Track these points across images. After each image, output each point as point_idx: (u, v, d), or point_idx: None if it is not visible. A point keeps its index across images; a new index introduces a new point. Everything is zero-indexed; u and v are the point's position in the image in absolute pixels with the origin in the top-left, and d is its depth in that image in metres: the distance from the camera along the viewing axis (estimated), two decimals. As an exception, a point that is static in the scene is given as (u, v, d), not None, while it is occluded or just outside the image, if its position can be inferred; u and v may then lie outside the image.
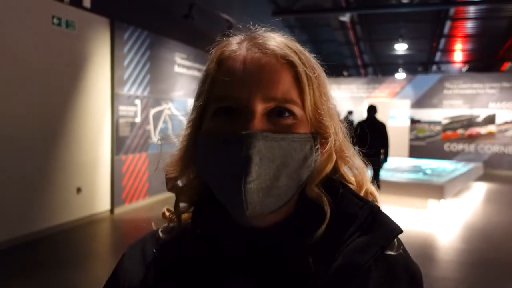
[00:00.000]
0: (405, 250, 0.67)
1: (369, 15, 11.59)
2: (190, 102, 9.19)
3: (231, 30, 0.72)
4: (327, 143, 0.66)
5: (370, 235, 0.62)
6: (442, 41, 13.50)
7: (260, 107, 0.61)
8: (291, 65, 0.63)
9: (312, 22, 12.76)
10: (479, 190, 10.16)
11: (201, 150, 0.65)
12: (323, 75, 0.68)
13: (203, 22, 8.50)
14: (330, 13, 10.79)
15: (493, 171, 12.68)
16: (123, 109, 7.24)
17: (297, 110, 0.63)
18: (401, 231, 0.62)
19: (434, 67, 15.85)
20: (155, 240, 0.74)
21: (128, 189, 7.43)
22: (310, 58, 0.68)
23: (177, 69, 8.78)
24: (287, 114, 0.62)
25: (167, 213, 0.76)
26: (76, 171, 6.38)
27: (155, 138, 8.15)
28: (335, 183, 0.68)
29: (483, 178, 11.50)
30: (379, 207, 0.65)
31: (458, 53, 15.41)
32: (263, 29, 0.70)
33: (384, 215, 0.64)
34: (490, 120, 13.27)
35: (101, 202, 6.92)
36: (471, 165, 11.21)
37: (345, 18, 10.62)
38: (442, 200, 7.93)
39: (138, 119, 7.65)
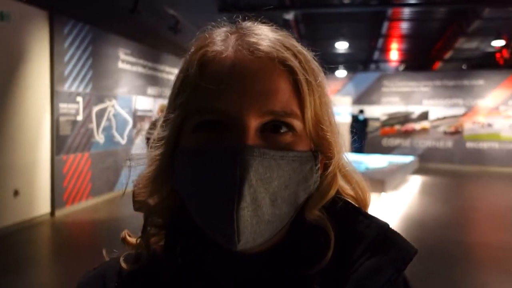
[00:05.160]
0: None
1: (312, 14, 11.84)
2: (135, 99, 8.98)
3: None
4: (330, 162, 0.58)
5: (381, 256, 0.55)
6: (380, 40, 14.07)
7: (254, 123, 0.51)
8: (290, 71, 0.53)
9: (257, 20, 12.80)
10: (416, 183, 10.73)
11: (180, 169, 0.55)
12: (324, 80, 0.58)
13: (149, 17, 8.29)
14: (275, 11, 10.91)
15: (427, 164, 13.43)
16: (63, 106, 6.91)
17: (297, 124, 0.53)
18: (417, 251, 0.56)
19: (373, 66, 16.51)
20: (116, 273, 0.62)
21: (69, 191, 7.11)
22: (310, 59, 0.57)
23: (121, 65, 8.50)
24: (284, 129, 0.53)
25: (129, 238, 0.64)
26: (13, 172, 6.01)
27: (98, 136, 7.86)
28: (335, 199, 0.60)
29: (418, 171, 12.16)
30: (388, 225, 0.58)
31: (395, 53, 16.13)
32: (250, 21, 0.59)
33: (396, 233, 0.58)
34: (424, 116, 14.06)
35: (41, 205, 6.57)
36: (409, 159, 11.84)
37: (289, 16, 10.79)
38: (383, 194, 8.30)
39: (80, 117, 7.33)
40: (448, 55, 15.34)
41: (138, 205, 0.61)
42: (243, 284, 0.56)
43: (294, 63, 0.54)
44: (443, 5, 10.98)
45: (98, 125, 7.86)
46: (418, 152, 13.84)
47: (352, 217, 0.59)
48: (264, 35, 0.56)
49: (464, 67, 16.46)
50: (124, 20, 7.84)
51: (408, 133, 14.18)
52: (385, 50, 15.58)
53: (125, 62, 8.66)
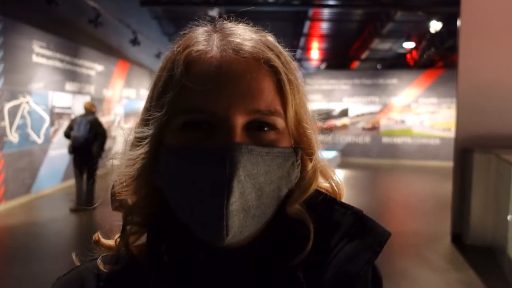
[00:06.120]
0: None
1: (236, 12, 11.90)
2: (52, 95, 8.45)
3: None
4: (310, 158, 0.60)
5: (358, 241, 0.59)
6: (302, 39, 14.53)
7: (240, 121, 0.53)
8: (273, 71, 0.55)
9: (180, 15, 12.66)
10: (338, 177, 11.20)
11: (167, 168, 0.55)
12: (302, 80, 0.61)
13: (67, 9, 7.84)
14: (199, 6, 10.82)
15: (347, 159, 14.10)
16: (-30, 103, 6.33)
17: (280, 122, 0.56)
18: (390, 234, 0.59)
19: (296, 64, 17.00)
20: (95, 276, 0.60)
21: (-21, 194, 6.54)
22: (290, 59, 0.60)
23: (35, 58, 7.93)
24: (268, 127, 0.55)
25: (103, 240, 0.64)
26: None
27: (11, 135, 7.30)
28: (312, 193, 0.62)
29: (340, 166, 12.73)
30: (362, 212, 0.61)
31: (316, 52, 16.74)
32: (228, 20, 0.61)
33: (370, 219, 0.61)
34: (344, 113, 14.73)
35: None
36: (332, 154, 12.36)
37: (214, 12, 10.76)
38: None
39: (-10, 115, 6.77)
40: (364, 55, 16.23)
41: (117, 204, 0.61)
42: (231, 278, 0.57)
43: (278, 63, 0.56)
44: (359, 8, 11.58)
45: (11, 123, 7.28)
46: (339, 148, 14.47)
47: (329, 207, 0.63)
48: (248, 35, 0.57)
49: (379, 66, 17.51)
50: (40, 11, 7.34)
51: (329, 129, 14.78)
52: (307, 49, 16.11)
53: (40, 56, 8.09)
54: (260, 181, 0.53)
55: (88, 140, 6.65)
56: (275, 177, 0.55)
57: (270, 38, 0.60)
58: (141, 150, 0.58)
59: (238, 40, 0.56)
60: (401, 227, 6.51)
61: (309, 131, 0.60)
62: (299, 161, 0.59)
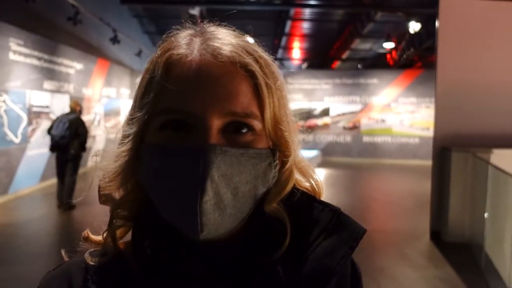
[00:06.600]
0: None
1: (218, 10, 11.89)
2: (30, 94, 8.29)
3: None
4: (287, 160, 0.63)
5: (335, 237, 0.61)
6: (284, 39, 14.57)
7: (216, 123, 0.55)
8: (251, 75, 0.57)
9: (161, 14, 12.57)
10: (320, 176, 11.25)
11: (146, 166, 0.58)
12: (283, 83, 0.62)
13: (45, 6, 7.69)
14: (179, 5, 10.76)
15: (328, 158, 14.20)
16: None
17: (256, 124, 0.57)
18: (366, 230, 0.62)
19: (277, 63, 17.05)
20: (82, 270, 0.62)
21: (-46, 195, 6.37)
22: (270, 63, 0.61)
23: (12, 56, 7.76)
24: (245, 129, 0.57)
25: (92, 236, 0.66)
26: None
27: (-13, 135, 7.13)
28: (292, 191, 0.65)
29: (321, 165, 12.81)
30: (340, 209, 0.64)
31: (297, 51, 16.81)
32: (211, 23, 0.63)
33: (347, 216, 0.63)
34: (325, 112, 14.83)
35: None
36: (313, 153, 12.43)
37: (195, 11, 10.73)
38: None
39: (-35, 114, 6.60)
40: (345, 55, 16.38)
41: (103, 198, 0.64)
42: (213, 273, 0.59)
43: (255, 67, 0.57)
44: (340, 8, 11.69)
45: (-13, 123, 7.13)
46: (320, 147, 14.57)
47: (308, 204, 0.65)
48: (227, 40, 0.59)
49: (359, 66, 17.69)
50: (17, 8, 7.19)
51: (311, 129, 14.86)
52: (288, 48, 16.17)
53: (18, 53, 7.92)
54: (235, 181, 0.55)
55: (64, 139, 6.55)
56: (250, 177, 0.57)
57: (251, 42, 0.61)
58: (124, 148, 0.61)
59: (217, 45, 0.57)
60: (381, 225, 6.59)
61: (286, 133, 0.61)
62: (277, 161, 0.61)
